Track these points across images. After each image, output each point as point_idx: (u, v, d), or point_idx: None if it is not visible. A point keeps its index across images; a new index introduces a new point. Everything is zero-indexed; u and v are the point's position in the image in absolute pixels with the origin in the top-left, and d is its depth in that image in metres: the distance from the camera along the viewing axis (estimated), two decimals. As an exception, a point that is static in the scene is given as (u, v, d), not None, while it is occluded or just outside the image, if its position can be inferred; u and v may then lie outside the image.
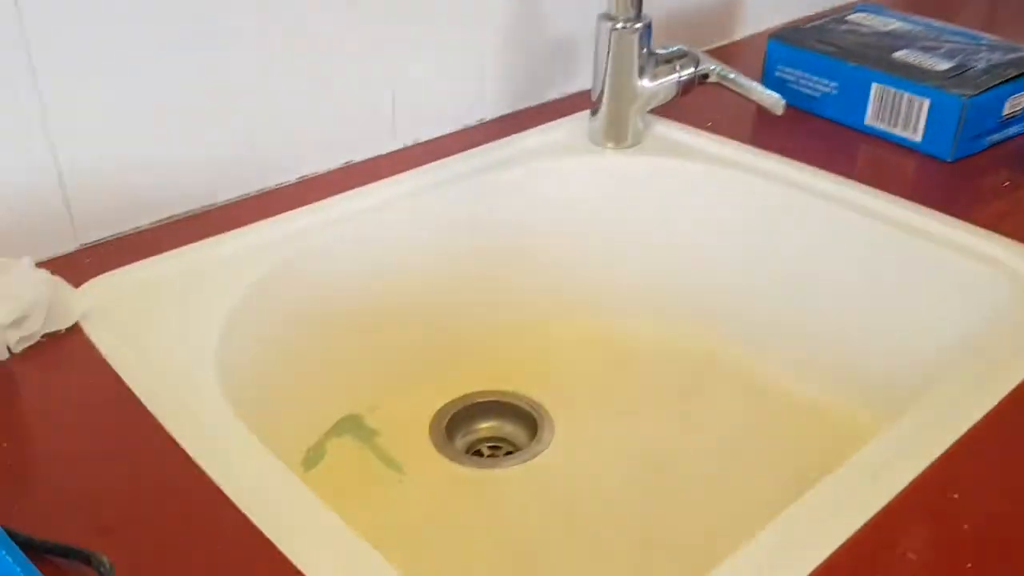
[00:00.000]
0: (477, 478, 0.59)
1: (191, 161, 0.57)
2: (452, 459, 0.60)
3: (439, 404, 0.64)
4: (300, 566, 0.34)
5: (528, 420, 0.64)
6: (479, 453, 0.63)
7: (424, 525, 0.55)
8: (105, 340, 0.46)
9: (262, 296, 0.53)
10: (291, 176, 0.63)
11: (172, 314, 0.49)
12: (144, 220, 0.57)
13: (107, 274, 0.51)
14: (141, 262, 0.52)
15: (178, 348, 0.46)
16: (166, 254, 0.53)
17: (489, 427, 0.65)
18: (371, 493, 0.57)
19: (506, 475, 0.59)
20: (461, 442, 0.64)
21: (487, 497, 0.57)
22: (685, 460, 0.60)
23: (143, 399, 0.42)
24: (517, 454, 0.62)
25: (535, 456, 0.61)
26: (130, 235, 0.56)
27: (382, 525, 0.54)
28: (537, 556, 0.53)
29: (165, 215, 0.58)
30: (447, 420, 0.63)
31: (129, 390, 0.43)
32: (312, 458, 0.57)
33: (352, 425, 0.61)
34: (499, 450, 0.63)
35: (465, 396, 0.65)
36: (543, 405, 0.65)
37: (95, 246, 0.55)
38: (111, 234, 0.56)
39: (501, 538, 0.54)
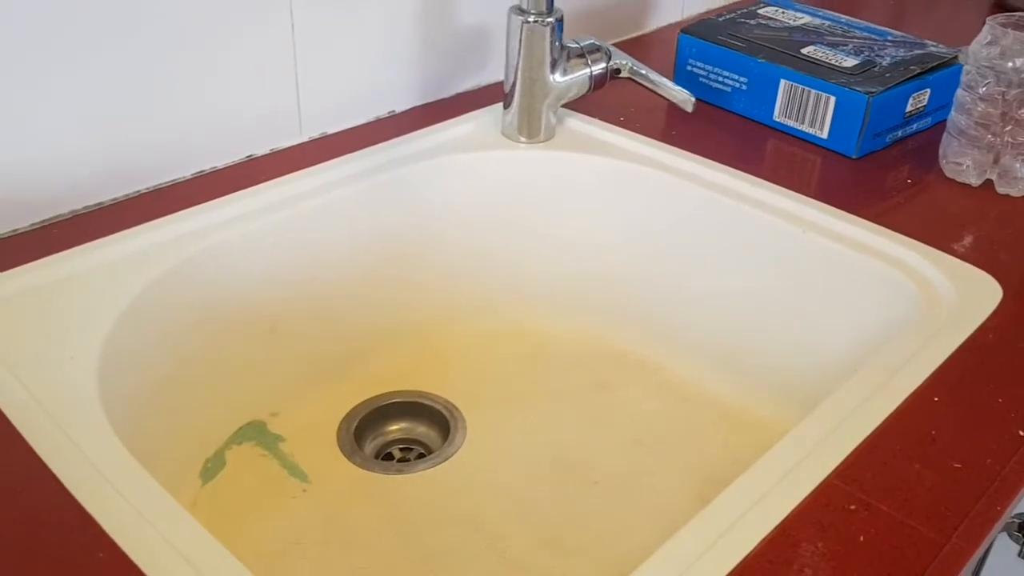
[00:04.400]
0: (385, 484, 0.58)
1: (75, 157, 0.54)
2: (360, 465, 0.59)
3: (348, 407, 0.63)
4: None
5: (441, 420, 0.63)
6: (390, 456, 0.62)
7: (328, 536, 0.53)
8: (-24, 358, 0.43)
9: (153, 302, 0.51)
10: (185, 172, 0.60)
11: (52, 326, 0.46)
12: (23, 222, 0.53)
13: (-20, 283, 0.48)
14: (15, 269, 0.49)
15: (57, 364, 0.43)
16: (46, 259, 0.50)
17: (400, 428, 0.64)
18: (273, 504, 0.55)
19: (415, 480, 0.58)
20: (371, 446, 0.62)
21: (395, 504, 0.56)
22: (596, 459, 0.60)
23: (16, 424, 0.39)
24: (428, 457, 0.60)
25: (446, 459, 0.60)
26: (8, 238, 0.53)
27: (283, 538, 0.53)
28: (445, 563, 0.52)
29: (47, 216, 0.54)
30: (356, 423, 0.62)
31: (2, 414, 0.40)
32: (211, 469, 0.55)
33: (255, 432, 0.59)
34: (411, 452, 0.62)
35: (375, 398, 0.64)
36: (456, 405, 0.64)
37: (-32, 251, 0.51)
38: (-13, 237, 0.52)
39: (408, 546, 0.53)
